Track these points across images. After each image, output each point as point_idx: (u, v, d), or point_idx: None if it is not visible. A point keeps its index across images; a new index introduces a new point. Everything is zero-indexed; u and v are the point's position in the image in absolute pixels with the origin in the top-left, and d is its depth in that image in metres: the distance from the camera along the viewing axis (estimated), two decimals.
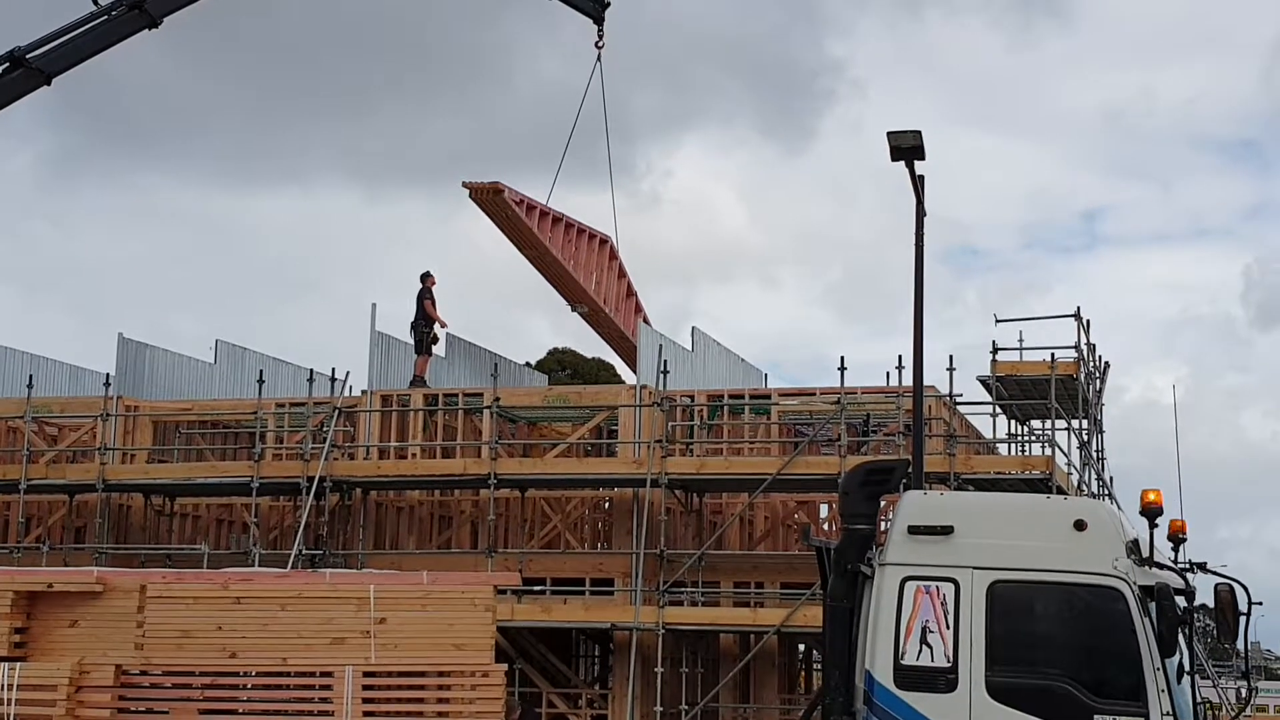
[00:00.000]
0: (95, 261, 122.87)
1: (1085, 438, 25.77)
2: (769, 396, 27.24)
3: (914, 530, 12.07)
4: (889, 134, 18.00)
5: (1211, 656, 35.70)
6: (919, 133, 17.98)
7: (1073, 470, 24.82)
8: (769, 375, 32.49)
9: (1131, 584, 11.55)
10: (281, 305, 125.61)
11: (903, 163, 18.41)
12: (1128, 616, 11.49)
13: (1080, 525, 11.82)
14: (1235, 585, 11.95)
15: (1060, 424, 24.71)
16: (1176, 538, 12.42)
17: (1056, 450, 23.95)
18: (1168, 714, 11.32)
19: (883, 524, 13.54)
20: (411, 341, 27.92)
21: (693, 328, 28.85)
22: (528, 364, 38.21)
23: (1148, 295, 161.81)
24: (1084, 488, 25.18)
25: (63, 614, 15.52)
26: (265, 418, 26.48)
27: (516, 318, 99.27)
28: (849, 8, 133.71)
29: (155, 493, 27.59)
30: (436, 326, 28.10)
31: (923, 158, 18.34)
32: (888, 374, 25.10)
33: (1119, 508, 18.82)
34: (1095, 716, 11.42)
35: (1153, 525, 11.81)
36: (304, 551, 24.57)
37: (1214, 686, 25.51)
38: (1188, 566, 12.24)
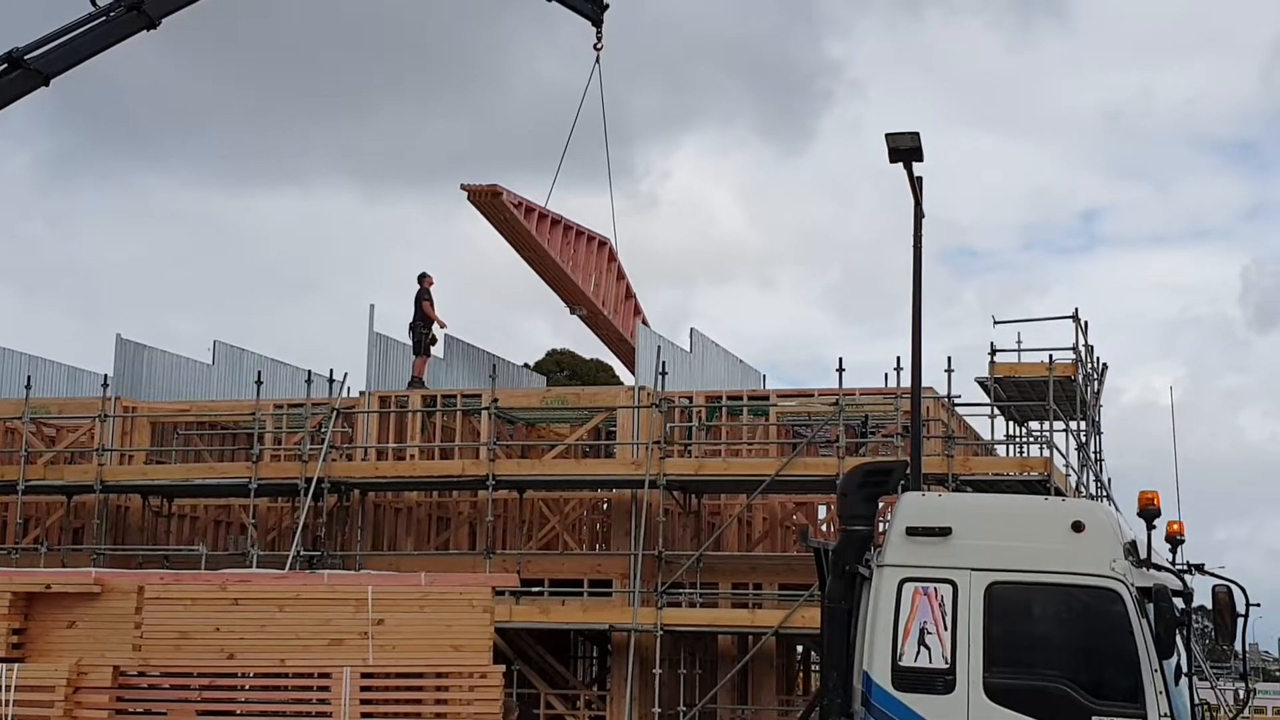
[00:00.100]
0: (93, 262, 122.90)
1: (1083, 439, 25.79)
2: (767, 398, 27.26)
3: (912, 531, 12.07)
4: (887, 135, 18.01)
5: (1209, 658, 35.70)
6: (917, 134, 17.99)
7: (1071, 472, 24.84)
8: (767, 376, 32.55)
9: (1129, 585, 11.56)
10: (280, 306, 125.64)
11: (901, 164, 18.42)
12: (1125, 618, 11.49)
13: (1078, 526, 11.83)
14: (1233, 587, 11.94)
15: (1058, 425, 24.75)
16: (1174, 539, 12.43)
17: (1054, 451, 23.97)
18: (1165, 715, 11.32)
19: (881, 525, 13.53)
20: (410, 342, 27.91)
21: (691, 329, 28.91)
22: (526, 365, 38.21)
23: (1146, 296, 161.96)
24: (1082, 489, 25.20)
25: (61, 615, 15.54)
26: (263, 419, 26.47)
27: (515, 319, 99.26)
28: (848, 8, 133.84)
29: (153, 494, 27.58)
30: (435, 327, 28.10)
31: (921, 159, 18.36)
32: (886, 375, 25.15)
33: (1117, 509, 18.81)
34: (1093, 718, 11.43)
35: (1150, 526, 11.82)
36: (302, 553, 24.57)
37: (1212, 688, 25.55)
38: (1185, 568, 12.24)
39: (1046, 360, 24.08)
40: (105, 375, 27.93)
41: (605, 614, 24.37)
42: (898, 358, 23.56)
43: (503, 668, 15.82)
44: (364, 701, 15.15)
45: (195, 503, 28.95)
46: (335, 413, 25.76)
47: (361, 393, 26.70)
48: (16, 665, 15.22)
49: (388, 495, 26.86)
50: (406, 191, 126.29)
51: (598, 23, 31.04)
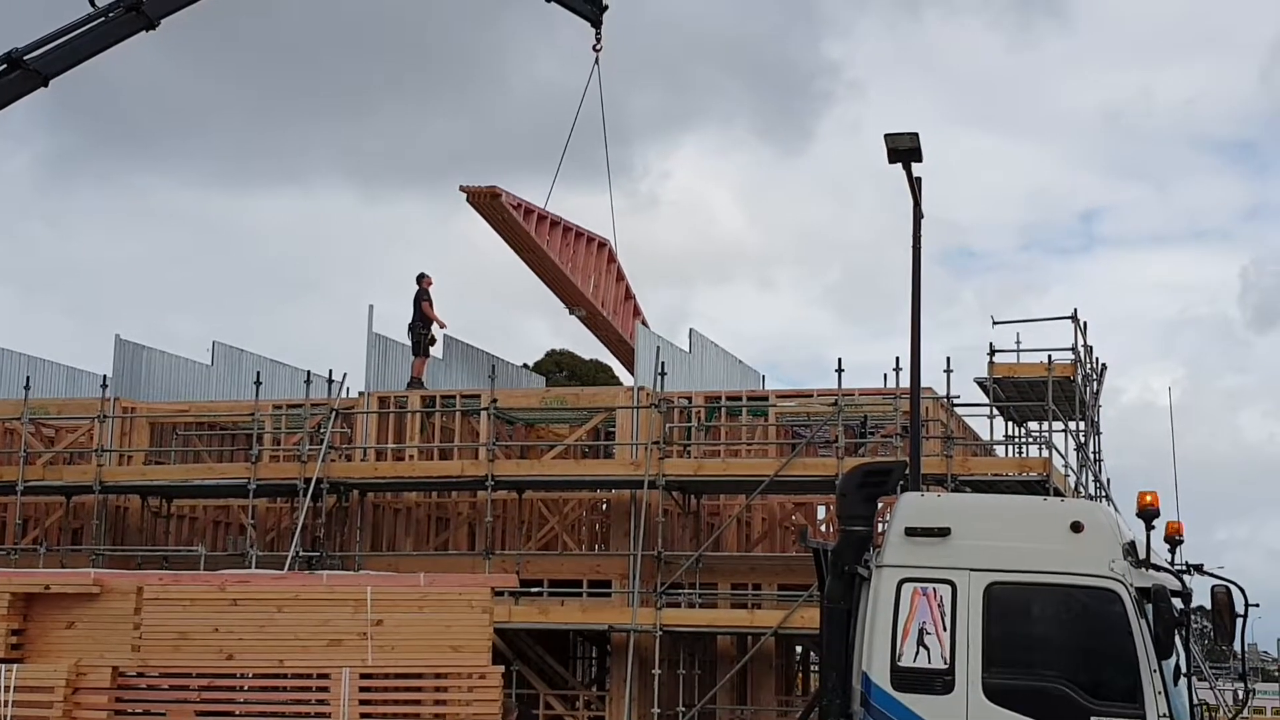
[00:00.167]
0: (92, 262, 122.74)
1: (1082, 439, 25.79)
2: (766, 398, 27.26)
3: (911, 532, 12.08)
4: (886, 136, 18.01)
5: (1208, 658, 35.71)
6: (916, 135, 17.98)
7: (1070, 472, 24.84)
8: (766, 376, 32.55)
9: (1128, 586, 11.57)
10: (279, 306, 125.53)
11: (900, 165, 18.41)
12: (1124, 618, 11.50)
13: (1077, 527, 11.84)
14: (1232, 587, 11.95)
15: (1057, 426, 24.76)
16: (1173, 539, 12.45)
17: (1054, 452, 23.98)
18: (1164, 716, 11.33)
19: (880, 526, 13.54)
20: (409, 343, 27.91)
21: (690, 329, 28.91)
22: (525, 365, 38.22)
23: (1145, 296, 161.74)
24: (1081, 489, 25.20)
25: (60, 615, 15.54)
26: (262, 419, 26.47)
27: (514, 319, 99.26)
28: (848, 8, 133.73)
29: (152, 494, 27.58)
30: (435, 327, 28.10)
31: (920, 160, 18.35)
32: (885, 375, 25.17)
33: (1116, 509, 18.82)
34: (1092, 718, 11.44)
35: (1150, 527, 11.82)
36: (301, 553, 24.57)
37: (1211, 688, 25.53)
38: (1185, 568, 12.25)
39: (1045, 361, 24.10)
40: (104, 376, 27.94)
41: (604, 614, 24.38)
42: (897, 358, 23.61)
43: (502, 668, 15.82)
44: (363, 702, 15.15)
45: (194, 503, 28.95)
46: (334, 413, 25.77)
47: (361, 393, 26.70)
48: (15, 666, 15.23)
49: (387, 496, 26.86)
50: (406, 192, 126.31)
51: (597, 24, 31.05)
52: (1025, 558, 11.84)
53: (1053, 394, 23.89)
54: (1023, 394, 24.61)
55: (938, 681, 11.73)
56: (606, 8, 31.13)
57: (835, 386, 24.05)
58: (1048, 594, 11.78)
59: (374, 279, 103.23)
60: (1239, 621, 11.99)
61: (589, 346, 41.59)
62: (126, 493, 27.47)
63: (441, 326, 28.50)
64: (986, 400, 24.29)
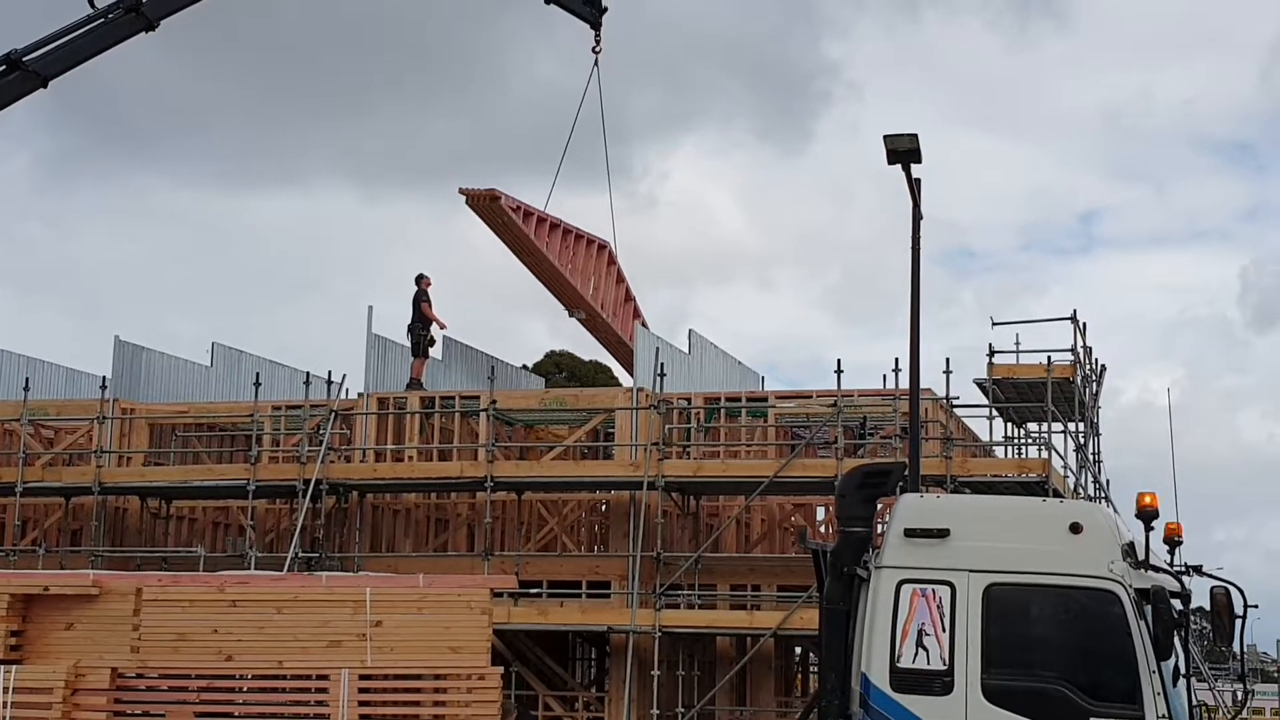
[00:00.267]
0: (92, 263, 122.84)
1: (1081, 440, 25.79)
2: (766, 399, 27.25)
3: (910, 533, 12.07)
4: (885, 137, 17.98)
5: (1207, 659, 35.72)
6: (915, 136, 17.96)
7: (1069, 473, 24.85)
8: (766, 377, 32.52)
9: (1127, 587, 11.56)
10: (279, 307, 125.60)
11: (900, 165, 18.40)
12: (1123, 619, 11.49)
13: (1076, 528, 11.83)
14: (1231, 588, 11.94)
15: (1056, 427, 24.76)
16: (1172, 540, 12.45)
17: (1053, 453, 23.98)
18: (1163, 716, 11.32)
19: (879, 527, 13.54)
20: (408, 344, 27.91)
21: (689, 330, 28.90)
22: (525, 366, 38.24)
23: (1145, 297, 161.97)
24: (1080, 491, 25.20)
25: (59, 617, 15.54)
26: (261, 420, 26.46)
27: (513, 320, 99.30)
28: (847, 8, 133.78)
29: (151, 495, 27.58)
30: (434, 328, 28.09)
31: (919, 161, 18.33)
32: (884, 376, 25.20)
33: (1115, 510, 18.81)
34: (1091, 719, 11.43)
35: (1149, 528, 11.81)
36: (300, 554, 24.56)
37: (1210, 689, 25.55)
38: (1184, 569, 12.24)
39: (1045, 361, 24.10)
40: (103, 377, 27.94)
41: (603, 615, 24.38)
42: (896, 359, 23.63)
43: (501, 669, 15.83)
44: (362, 703, 15.16)
45: (193, 504, 28.96)
46: (333, 414, 25.76)
47: (360, 394, 26.70)
48: (14, 667, 15.23)
49: (386, 497, 26.86)
50: (406, 192, 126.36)
51: (596, 26, 31.02)
52: (1024, 559, 11.83)
53: (1052, 395, 23.88)
54: (1022, 395, 24.61)
55: (937, 682, 11.72)
56: (606, 10, 31.12)
57: (834, 387, 24.04)
58: (1047, 595, 11.77)
59: (373, 280, 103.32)
60: (1238, 622, 11.98)
61: (588, 348, 41.64)
62: (126, 494, 27.47)
63: (442, 327, 28.52)
64: (986, 401, 24.29)
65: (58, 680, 15.05)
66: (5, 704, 14.96)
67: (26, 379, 28.25)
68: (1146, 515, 11.84)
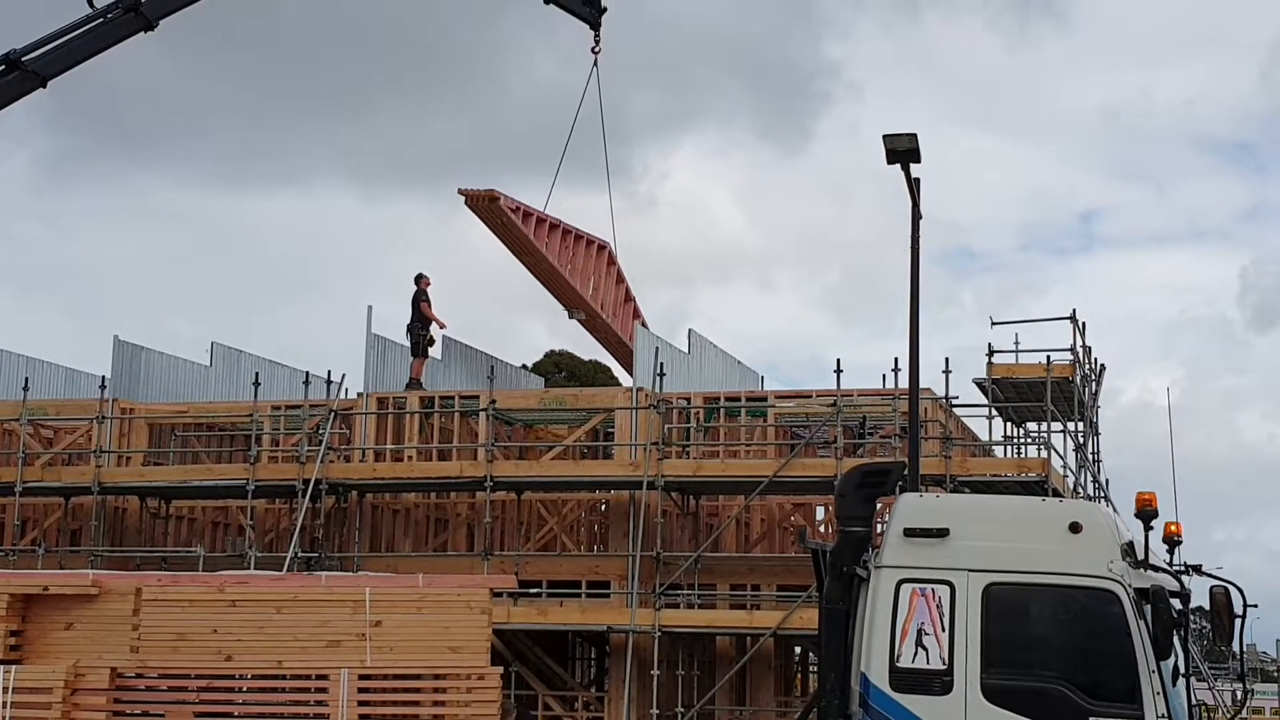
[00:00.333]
0: (91, 263, 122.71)
1: (1081, 440, 25.80)
2: (765, 399, 27.25)
3: (909, 533, 12.08)
4: (884, 137, 17.97)
5: (1207, 659, 35.72)
6: (914, 135, 17.95)
7: (1068, 473, 24.85)
8: (765, 377, 32.51)
9: (1126, 586, 11.56)
10: (279, 307, 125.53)
11: (899, 165, 18.39)
12: (1123, 619, 11.50)
13: (1075, 528, 11.83)
14: (1230, 587, 11.95)
15: (1056, 426, 24.75)
16: (1172, 540, 12.44)
17: (1052, 453, 23.97)
18: (1163, 716, 11.32)
19: (879, 526, 13.54)
20: (408, 344, 27.91)
21: (689, 330, 28.89)
22: (524, 366, 38.24)
23: (1144, 297, 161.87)
24: (1080, 490, 25.20)
25: (58, 617, 15.55)
26: (261, 420, 26.46)
27: (513, 320, 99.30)
28: (847, 8, 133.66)
29: (151, 495, 27.58)
30: (434, 327, 28.09)
31: (918, 160, 18.32)
32: (884, 376, 25.21)
33: (1114, 510, 18.81)
34: (1090, 718, 11.44)
35: (1148, 527, 11.82)
36: (299, 554, 24.56)
37: (1209, 689, 25.53)
38: (1183, 569, 12.25)
39: (1044, 361, 24.11)
40: (103, 377, 27.93)
41: (603, 615, 24.38)
42: (895, 358, 23.63)
43: (500, 669, 15.83)
44: (362, 703, 15.16)
45: (193, 504, 28.96)
46: (333, 414, 25.76)
47: (359, 394, 26.70)
48: (14, 667, 15.23)
49: (385, 497, 26.85)
50: (406, 192, 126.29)
51: (596, 26, 31.01)
52: (1024, 558, 11.84)
53: (1051, 394, 23.88)
54: (1021, 395, 24.61)
55: (936, 682, 11.73)
56: (605, 10, 31.11)
57: (834, 387, 24.05)
58: (1046, 594, 11.78)
59: (373, 280, 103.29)
60: (1238, 622, 11.99)
61: (588, 347, 41.64)
62: (125, 494, 27.47)
63: (441, 327, 28.52)
64: (985, 401, 24.30)
65: (57, 680, 15.06)
66: (5, 704, 14.96)
67: (26, 379, 28.25)
68: (1146, 515, 11.84)
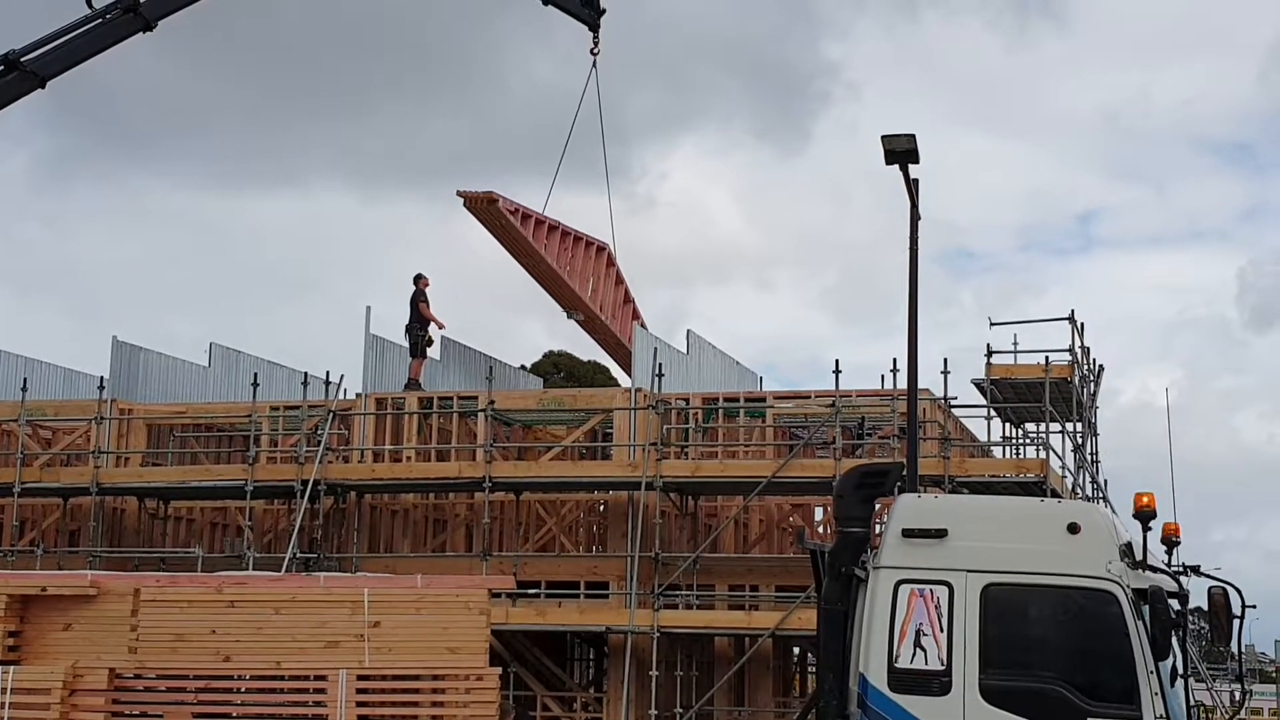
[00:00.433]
0: (90, 264, 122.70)
1: (1079, 441, 25.80)
2: (764, 399, 27.26)
3: (908, 533, 12.08)
4: (883, 138, 17.97)
5: (1206, 660, 35.74)
6: (913, 136, 17.96)
7: (1067, 473, 24.86)
8: (764, 378, 32.50)
9: (1125, 587, 11.56)
10: (277, 307, 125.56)
11: (898, 166, 18.40)
12: (1121, 620, 11.50)
13: (1074, 528, 11.83)
14: (1229, 588, 11.95)
15: (1054, 427, 24.76)
16: (1170, 540, 12.45)
17: (1050, 453, 23.99)
18: (1161, 717, 11.32)
19: (877, 527, 13.54)
20: (406, 344, 27.91)
21: (688, 330, 28.89)
22: (523, 367, 38.21)
23: (1143, 297, 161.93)
24: (1078, 491, 25.20)
25: (56, 617, 15.53)
26: (260, 421, 26.46)
27: (512, 320, 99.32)
28: (846, 9, 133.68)
29: (149, 496, 27.58)
30: (433, 328, 28.09)
31: (917, 161, 18.33)
32: (883, 376, 25.21)
33: (1113, 511, 18.81)
34: (1088, 719, 11.44)
35: (1146, 528, 11.82)
36: (298, 555, 24.55)
37: (1208, 690, 25.54)
38: (1181, 569, 12.25)
39: (1043, 362, 24.13)
40: (101, 377, 27.93)
41: (602, 616, 24.38)
42: (894, 359, 23.68)
43: (499, 670, 15.82)
44: (360, 704, 15.15)
45: (191, 505, 28.96)
46: (331, 415, 25.76)
47: (358, 395, 26.70)
48: (12, 668, 15.22)
49: (384, 497, 26.85)
50: (405, 192, 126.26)
51: (595, 27, 31.02)
52: (1022, 559, 11.83)
53: (1050, 395, 23.90)
54: (1020, 395, 24.62)
55: (934, 683, 11.73)
56: (604, 11, 31.11)
57: (833, 387, 24.06)
58: (1045, 595, 11.78)
59: (372, 280, 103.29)
60: (1236, 623, 11.99)
61: (586, 348, 41.65)
62: (124, 494, 27.46)
63: (440, 327, 28.52)
64: (984, 401, 24.30)
65: (55, 681, 15.04)
66: (3, 704, 14.95)
67: (24, 379, 28.26)
68: (1144, 515, 11.84)
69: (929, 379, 23.51)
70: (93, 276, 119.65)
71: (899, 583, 11.96)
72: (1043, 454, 24.02)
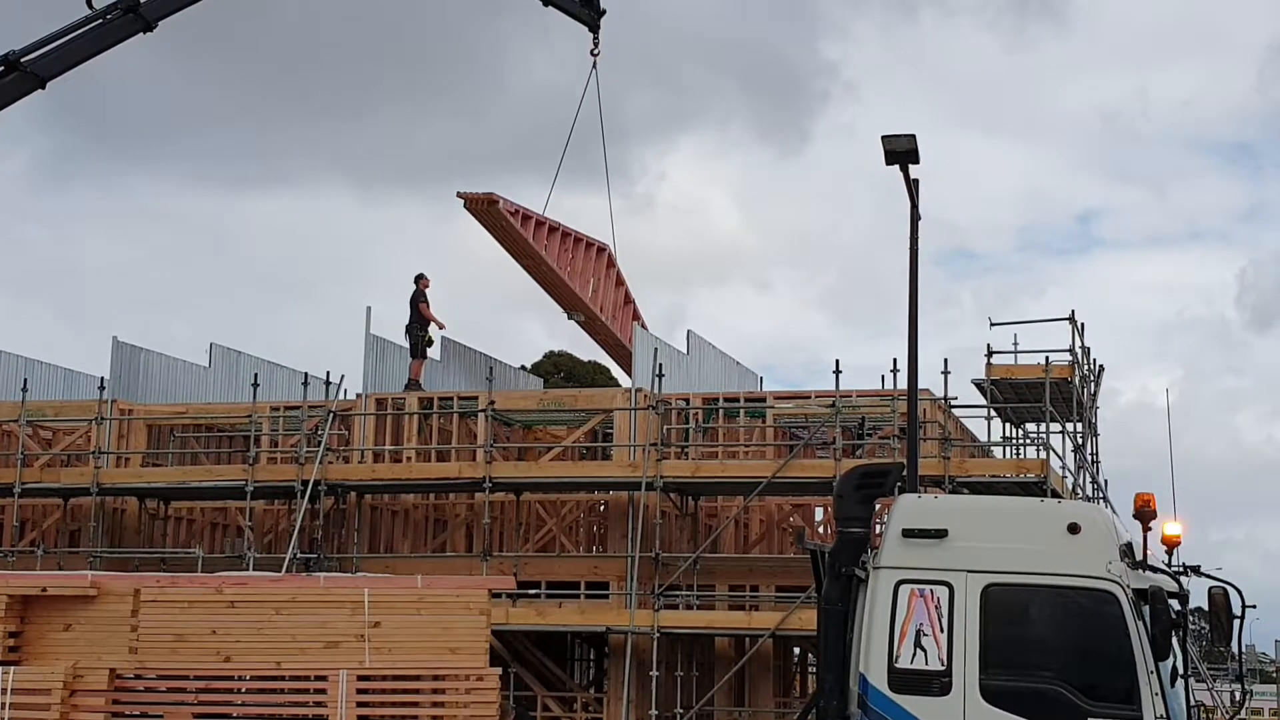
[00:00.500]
0: (90, 265, 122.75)
1: (1079, 441, 25.80)
2: (764, 399, 27.25)
3: (908, 533, 12.08)
4: (883, 138, 17.98)
5: (1206, 660, 35.74)
6: (913, 136, 17.96)
7: (1067, 473, 24.86)
8: (764, 378, 32.50)
9: (1125, 587, 11.57)
10: (277, 308, 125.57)
11: (897, 166, 18.39)
12: (1121, 620, 11.50)
13: (1074, 528, 11.84)
14: (1229, 588, 11.96)
15: (1055, 427, 24.76)
16: (1170, 541, 12.45)
17: (1051, 453, 23.98)
18: (1161, 717, 11.33)
19: (878, 527, 13.55)
20: (406, 345, 27.91)
21: (688, 331, 28.89)
22: (523, 367, 38.20)
23: (1143, 298, 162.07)
24: (1078, 491, 25.20)
25: (57, 618, 15.52)
26: (260, 421, 26.47)
27: (512, 321, 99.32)
28: (845, 9, 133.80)
29: (150, 496, 27.58)
30: (433, 328, 28.08)
31: (917, 161, 18.33)
32: (883, 377, 25.21)
33: (1113, 511, 18.81)
34: (1088, 719, 11.44)
35: (1146, 528, 11.82)
36: (298, 555, 24.55)
37: (1208, 690, 25.53)
38: (1182, 569, 12.26)
39: (1043, 362, 24.12)
40: (101, 378, 27.94)
41: (602, 616, 24.38)
42: (894, 359, 23.66)
43: (499, 670, 15.80)
44: (360, 704, 15.14)
45: (192, 505, 28.96)
46: (332, 415, 25.76)
47: (358, 395, 26.70)
48: (13, 668, 15.21)
49: (384, 498, 26.85)
50: (404, 193, 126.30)
51: (595, 29, 31.01)
52: (1022, 559, 11.84)
53: (1050, 395, 23.89)
54: (1020, 395, 24.62)
55: (935, 683, 11.73)
56: (604, 12, 31.11)
57: (833, 388, 24.06)
58: (1045, 595, 11.79)
59: (372, 281, 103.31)
60: (1236, 623, 12.00)
61: (587, 348, 41.63)
62: (124, 495, 27.46)
63: (440, 327, 28.51)
64: (984, 401, 24.30)
65: (56, 681, 15.03)
66: (3, 705, 14.95)
67: (25, 380, 28.26)
68: (1144, 515, 11.85)
69: (929, 379, 23.55)
70: (93, 277, 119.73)
71: (899, 583, 11.96)
72: (1043, 454, 24.03)
